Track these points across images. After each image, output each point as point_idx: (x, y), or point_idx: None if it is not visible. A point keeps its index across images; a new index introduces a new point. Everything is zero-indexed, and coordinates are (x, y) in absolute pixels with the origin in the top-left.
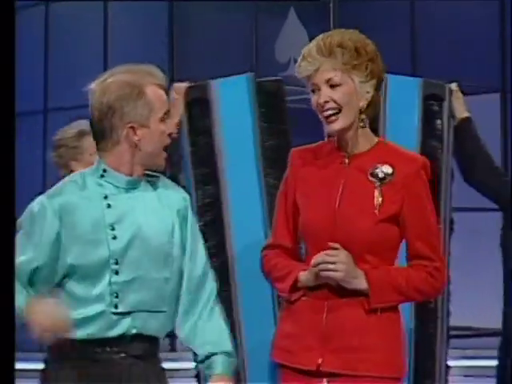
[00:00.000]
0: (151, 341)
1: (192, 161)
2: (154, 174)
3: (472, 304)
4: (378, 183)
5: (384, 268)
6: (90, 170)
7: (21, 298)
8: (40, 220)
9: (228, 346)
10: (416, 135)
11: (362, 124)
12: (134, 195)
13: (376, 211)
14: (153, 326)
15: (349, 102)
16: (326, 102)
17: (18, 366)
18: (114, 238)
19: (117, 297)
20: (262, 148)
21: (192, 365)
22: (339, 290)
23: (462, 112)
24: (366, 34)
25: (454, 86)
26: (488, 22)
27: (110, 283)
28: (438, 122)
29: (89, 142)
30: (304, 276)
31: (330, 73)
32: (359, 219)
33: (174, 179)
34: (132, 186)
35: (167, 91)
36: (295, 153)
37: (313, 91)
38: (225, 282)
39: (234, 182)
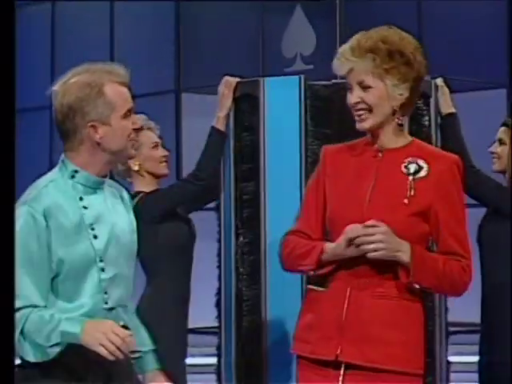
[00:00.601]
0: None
1: (235, 156)
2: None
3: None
4: (411, 176)
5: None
6: (57, 171)
7: (65, 323)
8: (31, 228)
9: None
10: None
11: (398, 122)
12: (101, 195)
13: (406, 202)
14: (127, 319)
15: (380, 104)
16: (357, 102)
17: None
18: (95, 237)
19: (106, 293)
20: (306, 150)
21: (197, 360)
22: (361, 280)
23: (447, 107)
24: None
25: (439, 81)
26: (495, 19)
27: (99, 281)
28: (425, 118)
29: (146, 137)
30: (331, 247)
31: (361, 75)
32: (389, 212)
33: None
34: (99, 186)
35: (130, 88)
36: (327, 150)
37: (348, 88)
38: (255, 279)
39: (274, 182)
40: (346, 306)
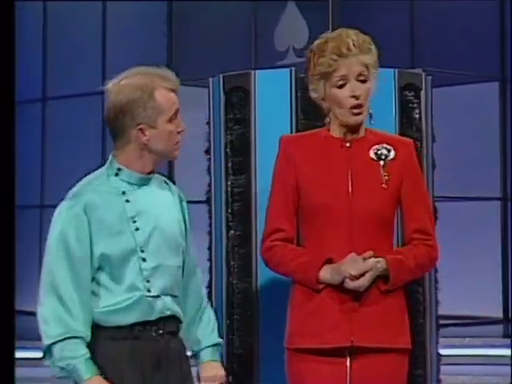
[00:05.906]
0: (179, 322)
1: (226, 150)
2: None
3: (472, 294)
4: (382, 161)
5: (400, 254)
6: (104, 169)
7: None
8: (72, 223)
9: (216, 337)
10: (394, 126)
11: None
12: (146, 190)
13: (384, 186)
14: (177, 308)
15: (368, 98)
16: (359, 95)
17: (18, 354)
18: (137, 229)
19: (148, 281)
20: None
21: (189, 353)
22: None
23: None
24: (365, 22)
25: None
26: (488, 10)
27: (140, 270)
28: (416, 111)
29: None
30: (326, 273)
31: (362, 68)
32: (373, 198)
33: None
34: (144, 183)
35: (177, 92)
36: (287, 139)
37: (340, 85)
38: (246, 272)
39: (266, 175)
40: (351, 296)
